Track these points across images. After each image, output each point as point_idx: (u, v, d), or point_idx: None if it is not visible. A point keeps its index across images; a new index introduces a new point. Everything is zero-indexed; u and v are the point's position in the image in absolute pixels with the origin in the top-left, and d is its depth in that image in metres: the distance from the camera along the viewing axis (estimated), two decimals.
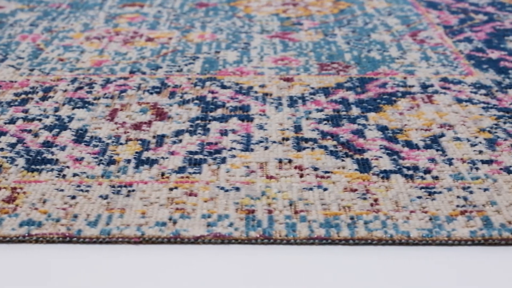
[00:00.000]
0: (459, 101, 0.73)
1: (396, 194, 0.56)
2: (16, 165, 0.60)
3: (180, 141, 0.65)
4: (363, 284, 0.48)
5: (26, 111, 0.71)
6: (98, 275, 0.48)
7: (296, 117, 0.70)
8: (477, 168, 0.60)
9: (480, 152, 0.63)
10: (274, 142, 0.65)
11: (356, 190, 0.57)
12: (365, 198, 0.56)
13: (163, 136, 0.66)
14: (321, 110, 0.71)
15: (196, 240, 0.51)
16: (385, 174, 0.59)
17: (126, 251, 0.51)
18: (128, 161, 0.61)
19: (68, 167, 0.60)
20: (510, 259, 0.50)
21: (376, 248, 0.51)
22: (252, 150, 0.63)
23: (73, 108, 0.72)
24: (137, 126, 0.68)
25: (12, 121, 0.69)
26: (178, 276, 0.48)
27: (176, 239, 0.51)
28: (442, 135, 0.66)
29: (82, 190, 0.57)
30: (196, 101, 0.74)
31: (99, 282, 0.48)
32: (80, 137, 0.66)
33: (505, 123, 0.68)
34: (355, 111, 0.71)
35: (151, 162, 0.61)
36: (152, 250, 0.51)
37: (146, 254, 0.50)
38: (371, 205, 0.55)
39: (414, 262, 0.50)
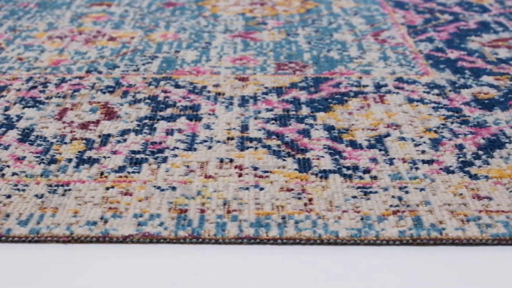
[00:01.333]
0: (410, 101, 0.73)
1: (331, 194, 0.56)
2: None
3: (125, 140, 0.65)
4: (289, 283, 0.48)
5: None
6: (24, 274, 0.48)
7: (245, 116, 0.70)
8: (417, 168, 0.60)
9: (423, 152, 0.63)
10: (219, 141, 0.65)
11: (292, 189, 0.57)
12: (299, 198, 0.56)
13: (108, 135, 0.66)
14: (271, 110, 0.71)
15: (124, 240, 0.51)
16: (324, 174, 0.59)
17: (54, 250, 0.51)
18: (70, 160, 0.61)
19: (8, 166, 0.60)
20: (438, 259, 0.50)
21: (305, 248, 0.51)
22: (195, 149, 0.63)
23: (23, 107, 0.72)
24: (84, 126, 0.68)
25: None
26: (105, 275, 0.48)
27: (105, 238, 0.51)
28: (388, 135, 0.66)
29: (18, 189, 0.57)
30: (147, 101, 0.74)
31: (24, 282, 0.48)
32: (25, 136, 0.66)
33: (452, 123, 0.68)
34: (304, 110, 0.71)
35: (92, 162, 0.61)
36: (81, 250, 0.51)
37: (74, 253, 0.50)
38: (305, 204, 0.55)
39: (342, 262, 0.50)
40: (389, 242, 0.51)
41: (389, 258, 0.50)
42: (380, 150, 0.63)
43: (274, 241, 0.51)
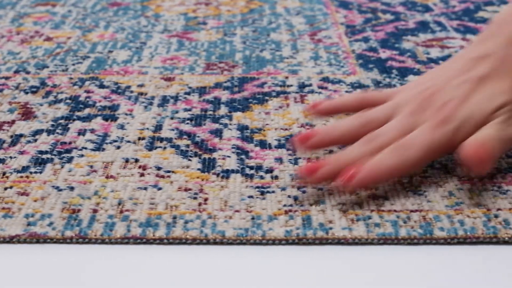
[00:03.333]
0: None
1: (228, 194, 0.56)
2: None
3: (35, 140, 0.65)
4: (170, 283, 0.48)
5: None
6: None
7: (161, 116, 0.70)
8: None
9: (330, 151, 0.63)
10: (129, 141, 0.65)
11: (190, 189, 0.57)
12: (195, 198, 0.56)
13: (20, 135, 0.66)
14: (189, 110, 0.72)
15: (11, 240, 0.51)
16: (226, 174, 0.59)
17: None
18: None
19: None
20: (324, 258, 0.50)
21: (191, 248, 0.51)
22: (103, 149, 0.63)
23: None
24: None
25: None
26: None
27: None
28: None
29: None
30: (68, 101, 0.74)
31: None
32: None
33: None
34: (222, 110, 0.71)
35: None
36: None
37: None
38: (199, 204, 0.55)
39: (228, 261, 0.50)
40: (275, 241, 0.51)
41: (275, 258, 0.50)
42: (288, 150, 0.63)
43: (160, 241, 0.51)
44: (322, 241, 0.51)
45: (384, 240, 0.51)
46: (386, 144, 0.56)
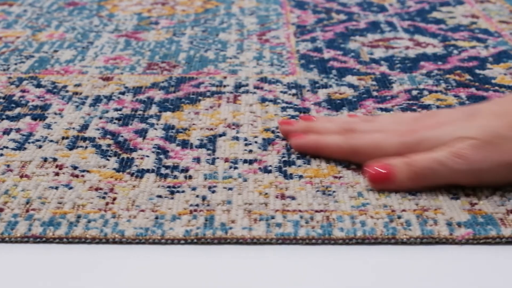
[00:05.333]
0: (264, 100, 0.74)
1: (138, 193, 0.56)
2: None
3: None
4: (65, 283, 0.48)
5: None
6: None
7: (90, 116, 0.70)
8: (236, 168, 0.60)
9: (250, 151, 0.63)
10: (52, 141, 0.65)
11: (101, 189, 0.57)
12: (104, 197, 0.56)
13: None
14: (119, 110, 0.72)
15: None
16: (140, 174, 0.59)
17: None
18: None
19: None
20: (224, 258, 0.50)
21: (91, 247, 0.51)
22: (24, 149, 0.64)
23: None
24: None
25: None
26: None
27: None
28: (223, 135, 0.66)
29: None
30: (1, 100, 0.74)
31: None
32: None
33: None
34: (153, 110, 0.72)
35: None
36: None
37: None
38: (106, 204, 0.55)
39: (127, 261, 0.50)
40: (173, 241, 0.51)
41: (174, 257, 0.51)
42: (208, 149, 0.64)
43: (60, 240, 0.51)
44: (221, 241, 0.51)
45: (283, 240, 0.51)
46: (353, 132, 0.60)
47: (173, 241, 0.51)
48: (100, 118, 0.70)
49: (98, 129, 0.67)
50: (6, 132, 0.67)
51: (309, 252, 0.51)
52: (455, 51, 0.88)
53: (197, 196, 0.56)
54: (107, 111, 0.71)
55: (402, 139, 0.56)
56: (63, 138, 0.66)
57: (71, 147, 0.64)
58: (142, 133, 0.67)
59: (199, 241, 0.51)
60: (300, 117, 0.68)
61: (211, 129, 0.67)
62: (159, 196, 0.56)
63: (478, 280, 0.48)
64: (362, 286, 0.48)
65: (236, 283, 0.48)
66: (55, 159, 0.62)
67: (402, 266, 0.50)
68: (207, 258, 0.50)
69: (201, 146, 0.64)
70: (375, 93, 0.76)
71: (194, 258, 0.51)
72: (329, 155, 0.60)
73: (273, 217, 0.53)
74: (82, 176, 0.59)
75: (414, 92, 0.76)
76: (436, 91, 0.76)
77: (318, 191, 0.57)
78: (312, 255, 0.51)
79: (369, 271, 0.49)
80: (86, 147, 0.64)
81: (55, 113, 0.71)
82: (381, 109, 0.72)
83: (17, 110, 0.72)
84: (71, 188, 0.57)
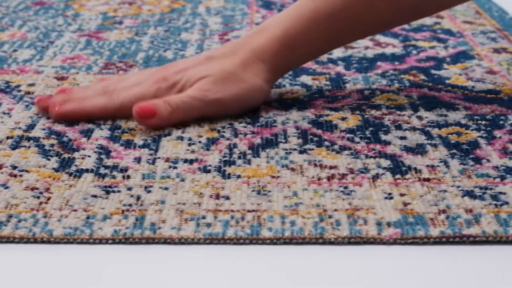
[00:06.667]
0: None
1: (73, 193, 0.56)
2: None
3: None
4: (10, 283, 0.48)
5: None
6: None
7: (38, 116, 0.70)
8: (175, 167, 0.60)
9: (192, 151, 0.63)
10: None
11: (37, 188, 0.57)
12: (38, 197, 0.56)
13: None
14: None
15: None
16: (78, 173, 0.59)
17: None
18: None
19: None
20: (152, 258, 0.50)
21: (20, 247, 0.51)
22: None
23: None
24: None
25: None
26: None
27: None
28: (168, 135, 0.66)
29: None
30: None
31: None
32: None
33: (240, 122, 0.68)
34: None
35: None
36: None
37: None
38: (40, 203, 0.55)
39: (55, 261, 0.50)
40: (102, 241, 0.51)
41: (103, 257, 0.51)
42: (151, 149, 0.64)
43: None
44: (149, 241, 0.51)
45: (211, 240, 0.51)
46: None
47: (101, 241, 0.51)
48: (48, 118, 0.70)
49: (44, 129, 0.67)
50: None
51: (238, 252, 0.51)
52: (414, 51, 0.88)
53: (132, 196, 0.56)
54: None
55: (157, 86, 0.68)
56: (7, 137, 0.66)
57: (14, 146, 0.64)
58: (87, 133, 0.67)
59: (127, 241, 0.51)
60: (57, 91, 0.72)
61: (157, 129, 0.67)
62: (94, 196, 0.56)
63: (404, 279, 0.48)
64: (280, 286, 0.48)
65: (161, 283, 0.48)
66: None
67: (329, 266, 0.50)
68: (135, 258, 0.50)
69: (144, 146, 0.64)
70: (327, 93, 0.76)
71: (122, 258, 0.51)
72: (98, 115, 0.68)
73: (204, 217, 0.53)
74: (20, 175, 0.59)
75: (366, 92, 0.76)
76: (388, 91, 0.76)
77: (253, 190, 0.57)
78: (241, 255, 0.51)
79: (296, 271, 0.49)
80: (29, 147, 0.64)
81: (4, 113, 0.71)
82: (331, 109, 0.72)
83: None
84: (7, 187, 0.57)
